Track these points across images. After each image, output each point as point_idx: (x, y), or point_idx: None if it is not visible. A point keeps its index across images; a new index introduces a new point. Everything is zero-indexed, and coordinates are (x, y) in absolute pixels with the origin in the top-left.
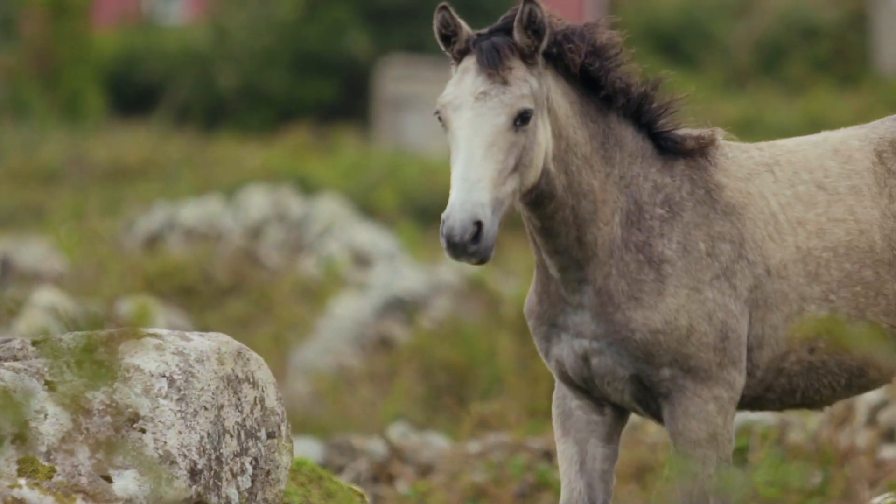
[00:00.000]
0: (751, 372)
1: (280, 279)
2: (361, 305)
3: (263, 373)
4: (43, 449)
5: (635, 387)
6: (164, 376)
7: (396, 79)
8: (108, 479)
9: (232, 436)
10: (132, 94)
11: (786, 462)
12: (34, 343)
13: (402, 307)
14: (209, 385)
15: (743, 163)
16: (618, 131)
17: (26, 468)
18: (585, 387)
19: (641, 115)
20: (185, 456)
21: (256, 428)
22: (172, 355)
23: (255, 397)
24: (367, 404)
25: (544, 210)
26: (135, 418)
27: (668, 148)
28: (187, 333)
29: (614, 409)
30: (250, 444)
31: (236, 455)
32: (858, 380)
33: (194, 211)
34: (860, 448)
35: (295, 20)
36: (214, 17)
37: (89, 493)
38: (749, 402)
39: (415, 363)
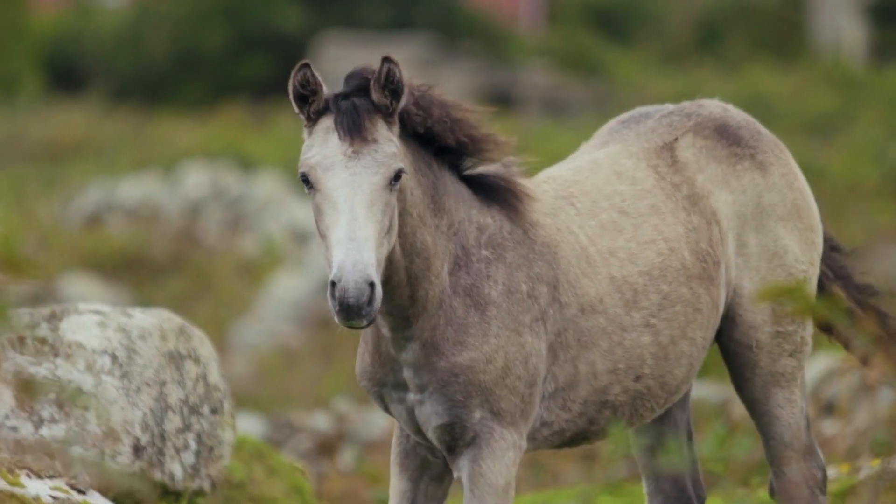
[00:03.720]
0: (567, 408)
1: (219, 257)
2: (301, 283)
3: (206, 349)
4: None
5: (445, 434)
6: (106, 353)
7: (333, 59)
8: (52, 456)
9: (175, 412)
10: (69, 74)
11: (730, 436)
12: None
13: None
14: (152, 361)
15: (544, 198)
16: (442, 177)
17: None
18: (420, 439)
19: (453, 159)
20: (128, 432)
21: (199, 404)
22: (115, 332)
23: (198, 373)
24: (307, 381)
25: (382, 275)
26: (77, 395)
27: (481, 189)
28: (129, 310)
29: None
30: (193, 420)
31: (180, 431)
32: (673, 396)
33: (132, 188)
34: None
35: None
36: None
37: (34, 468)
38: (572, 437)
39: (354, 339)
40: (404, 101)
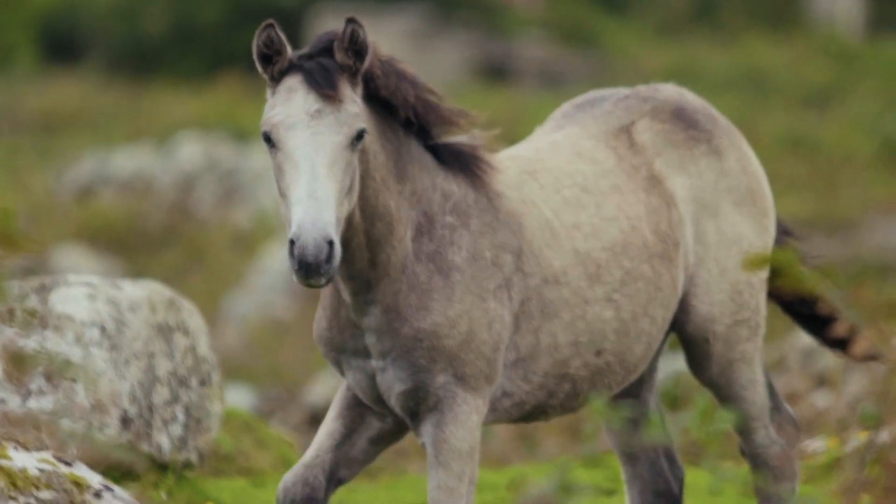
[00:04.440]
0: (527, 379)
1: (212, 229)
2: None
3: (195, 321)
4: None
5: (409, 400)
6: (95, 325)
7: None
8: (39, 428)
9: (163, 384)
10: (65, 46)
11: (712, 410)
12: None
13: None
14: (140, 333)
15: (508, 172)
16: (407, 144)
17: None
18: (377, 407)
19: (421, 127)
20: (116, 404)
21: (188, 376)
22: (104, 304)
23: (187, 345)
24: (298, 353)
25: (341, 236)
26: (66, 367)
27: (447, 158)
28: (119, 282)
29: (395, 421)
30: (182, 392)
31: (168, 403)
32: (631, 375)
33: (126, 160)
34: (794, 393)
35: None
36: None
37: (21, 441)
38: (531, 410)
39: None
40: (368, 62)
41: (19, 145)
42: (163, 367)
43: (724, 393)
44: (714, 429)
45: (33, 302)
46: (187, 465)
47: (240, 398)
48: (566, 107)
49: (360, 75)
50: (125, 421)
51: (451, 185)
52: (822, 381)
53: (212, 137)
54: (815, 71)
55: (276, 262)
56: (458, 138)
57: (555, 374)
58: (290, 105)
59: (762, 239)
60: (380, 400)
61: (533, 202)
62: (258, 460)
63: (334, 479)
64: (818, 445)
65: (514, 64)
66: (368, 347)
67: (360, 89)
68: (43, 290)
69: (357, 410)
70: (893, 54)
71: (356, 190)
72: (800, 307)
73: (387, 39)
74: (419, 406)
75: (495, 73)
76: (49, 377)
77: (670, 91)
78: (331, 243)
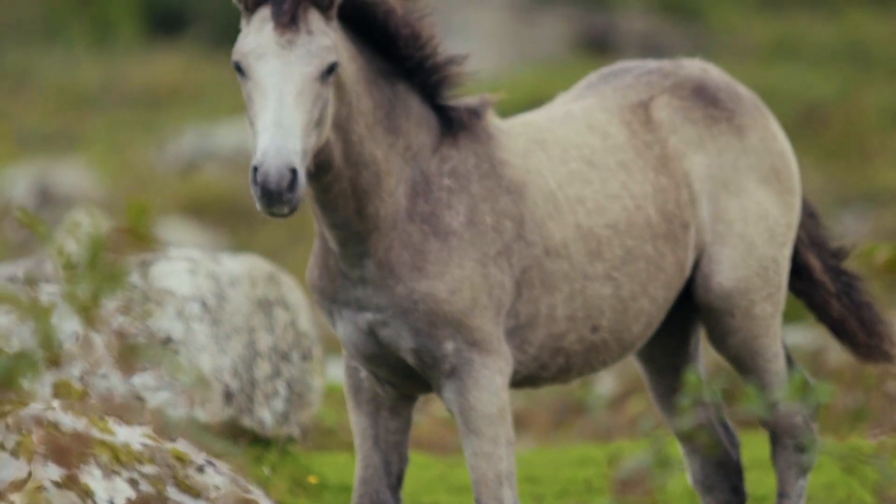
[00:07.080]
0: (522, 349)
1: None
2: None
3: (296, 295)
4: (76, 372)
5: (418, 360)
6: (195, 299)
7: None
8: (142, 404)
9: (264, 359)
10: (168, 18)
11: (806, 384)
12: (65, 266)
13: None
14: (241, 308)
15: (517, 139)
16: (405, 100)
17: (60, 391)
18: (369, 366)
19: (426, 86)
20: (218, 379)
21: (289, 350)
22: (204, 278)
23: (287, 320)
24: None
25: (320, 181)
26: (167, 341)
27: (450, 120)
28: (219, 256)
29: (393, 389)
30: (283, 366)
31: (269, 378)
32: (627, 352)
33: (229, 134)
34: None
35: None
36: None
37: (123, 416)
38: (522, 379)
39: None
40: None
41: (122, 119)
42: (263, 341)
43: (748, 366)
44: (814, 402)
45: (134, 277)
46: (290, 439)
47: (342, 373)
48: (592, 76)
49: (335, 9)
50: (227, 396)
51: (451, 150)
52: None
53: None
54: None
55: None
56: (466, 100)
57: (550, 347)
58: (262, 35)
59: (786, 217)
60: (372, 357)
61: (538, 172)
62: None
63: (393, 478)
64: None
65: (615, 37)
66: (361, 300)
67: (334, 24)
68: (144, 265)
69: (365, 389)
70: None
71: (327, 124)
72: (822, 306)
73: (488, 13)
74: (432, 370)
75: (596, 46)
76: (151, 356)
77: (694, 67)
78: (294, 171)
